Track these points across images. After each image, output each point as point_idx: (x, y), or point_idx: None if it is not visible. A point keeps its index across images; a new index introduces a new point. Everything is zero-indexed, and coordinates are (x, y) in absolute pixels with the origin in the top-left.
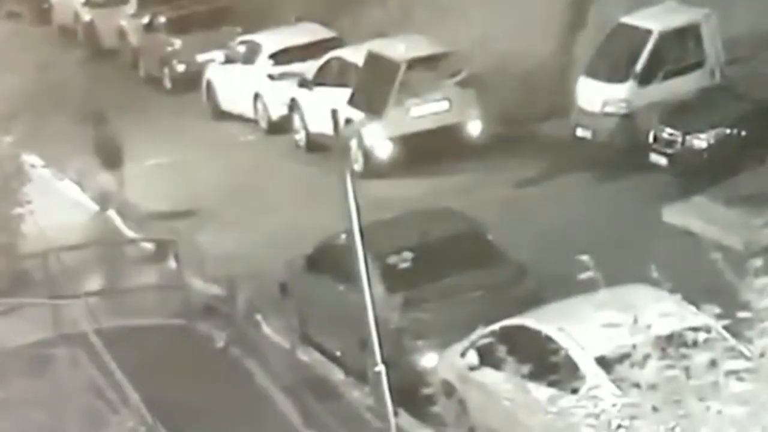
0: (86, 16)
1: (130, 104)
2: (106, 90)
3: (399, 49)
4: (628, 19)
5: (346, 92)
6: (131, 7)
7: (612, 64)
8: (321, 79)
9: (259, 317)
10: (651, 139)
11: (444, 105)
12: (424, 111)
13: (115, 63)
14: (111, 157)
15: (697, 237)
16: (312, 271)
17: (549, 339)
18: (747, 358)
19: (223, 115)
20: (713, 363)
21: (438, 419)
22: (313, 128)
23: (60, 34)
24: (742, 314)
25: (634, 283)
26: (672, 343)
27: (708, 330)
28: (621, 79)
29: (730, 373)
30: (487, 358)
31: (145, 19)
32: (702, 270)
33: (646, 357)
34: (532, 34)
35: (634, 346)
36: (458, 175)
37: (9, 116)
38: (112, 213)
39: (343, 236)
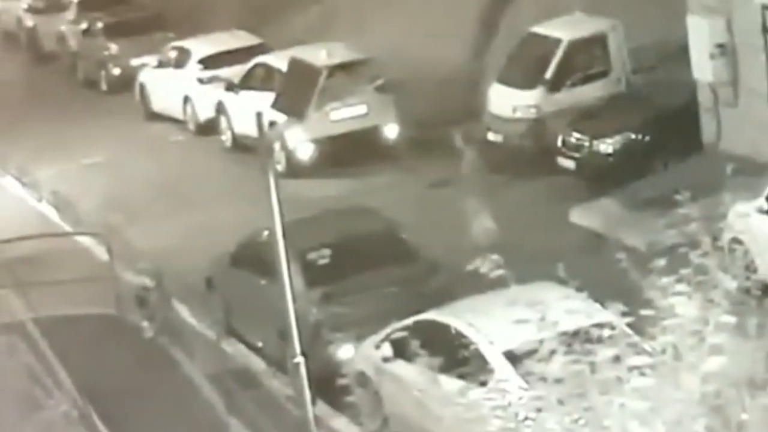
0: (29, 21)
1: (69, 105)
2: (46, 91)
3: (321, 55)
4: (538, 29)
5: (270, 96)
6: (71, 14)
7: (522, 71)
8: (247, 83)
9: (177, 304)
10: (559, 143)
11: (362, 109)
12: (344, 115)
13: (55, 66)
14: None
15: (602, 237)
16: (236, 266)
17: (459, 333)
18: (649, 355)
19: (154, 117)
20: (617, 359)
21: (354, 408)
22: (239, 130)
23: (3, 38)
24: (645, 312)
25: (543, 281)
26: (578, 339)
27: (612, 327)
28: (531, 85)
29: (632, 368)
30: (400, 350)
31: (84, 25)
32: (607, 269)
33: (553, 352)
34: (447, 42)
35: (541, 342)
36: (375, 176)
37: None
38: (49, 207)
39: (266, 233)
